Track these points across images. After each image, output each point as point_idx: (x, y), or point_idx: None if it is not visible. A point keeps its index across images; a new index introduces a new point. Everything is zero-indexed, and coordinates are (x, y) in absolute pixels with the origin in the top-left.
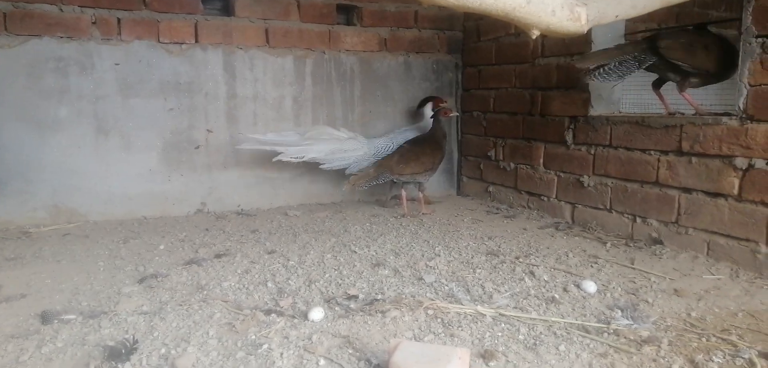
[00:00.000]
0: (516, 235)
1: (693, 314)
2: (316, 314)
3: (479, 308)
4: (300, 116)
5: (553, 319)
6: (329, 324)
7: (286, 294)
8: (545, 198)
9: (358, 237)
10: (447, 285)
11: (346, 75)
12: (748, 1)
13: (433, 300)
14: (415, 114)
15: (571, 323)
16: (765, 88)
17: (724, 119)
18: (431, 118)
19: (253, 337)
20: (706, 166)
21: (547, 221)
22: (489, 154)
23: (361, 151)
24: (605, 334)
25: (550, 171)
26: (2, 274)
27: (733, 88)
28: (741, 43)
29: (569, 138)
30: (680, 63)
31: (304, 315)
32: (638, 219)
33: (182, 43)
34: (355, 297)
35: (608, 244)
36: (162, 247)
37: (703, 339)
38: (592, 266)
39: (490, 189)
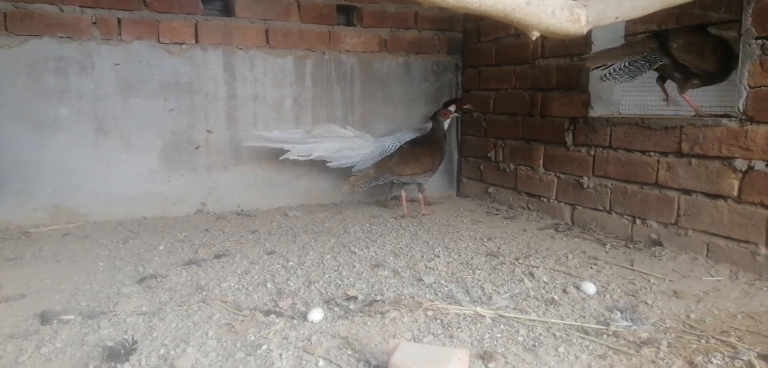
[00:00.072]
0: (515, 236)
1: (692, 316)
2: (316, 315)
3: (478, 309)
4: (300, 117)
5: (552, 321)
6: (328, 325)
7: (285, 295)
8: (545, 200)
9: (357, 238)
10: (446, 287)
11: (346, 76)
12: (748, 2)
13: (432, 301)
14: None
15: (570, 324)
16: (765, 89)
17: (724, 121)
18: (454, 116)
19: (253, 338)
20: (706, 168)
21: (546, 222)
22: (489, 155)
23: (367, 149)
24: (604, 336)
25: (549, 172)
26: (2, 274)
27: (732, 90)
28: (741, 45)
29: (569, 139)
30: (690, 65)
31: (304, 316)
32: (638, 221)
33: (182, 44)
34: (355, 298)
35: (608, 246)
36: (161, 248)
37: (703, 341)
38: (591, 267)
39: (490, 190)
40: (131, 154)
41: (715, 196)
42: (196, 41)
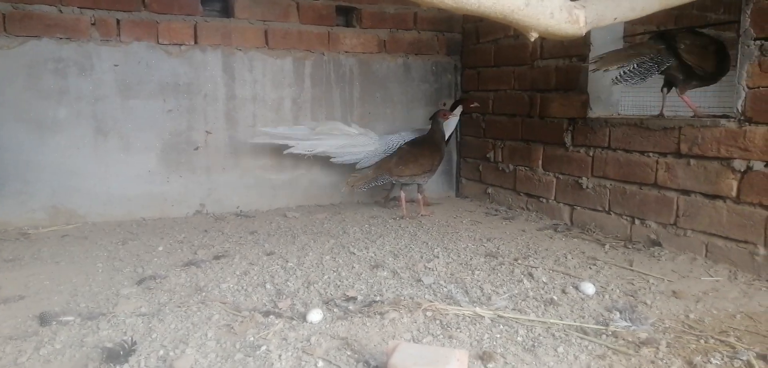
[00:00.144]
0: (515, 237)
1: (691, 316)
2: (315, 316)
3: (478, 310)
4: (299, 117)
5: (551, 321)
6: (328, 325)
7: (284, 296)
8: (544, 200)
9: (356, 238)
10: (445, 287)
11: (345, 76)
12: (746, 3)
13: (431, 301)
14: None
15: (569, 325)
16: (763, 90)
17: (723, 121)
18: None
19: (252, 339)
20: (705, 168)
21: (545, 223)
22: (488, 155)
23: (371, 146)
24: (603, 336)
25: (548, 173)
26: (1, 275)
27: (730, 90)
28: (739, 46)
29: (568, 140)
30: (695, 66)
31: (303, 317)
32: (637, 221)
33: (181, 45)
34: (354, 298)
35: (607, 246)
36: (161, 249)
37: (702, 341)
38: (590, 268)
39: (489, 190)
40: (130, 155)
41: (714, 197)
42: (195, 42)
